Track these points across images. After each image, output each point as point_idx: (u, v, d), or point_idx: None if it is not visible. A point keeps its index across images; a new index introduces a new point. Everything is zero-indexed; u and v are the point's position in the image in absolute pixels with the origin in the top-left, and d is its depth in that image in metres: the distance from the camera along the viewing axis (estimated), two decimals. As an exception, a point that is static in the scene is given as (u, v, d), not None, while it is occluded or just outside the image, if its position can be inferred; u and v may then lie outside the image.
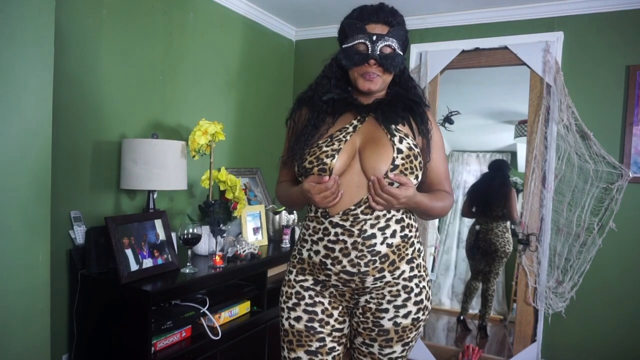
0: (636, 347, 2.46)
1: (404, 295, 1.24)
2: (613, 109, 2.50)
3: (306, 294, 1.28)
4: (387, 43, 1.21)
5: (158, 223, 2.04)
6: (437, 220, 3.39)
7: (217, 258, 2.11)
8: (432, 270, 3.38)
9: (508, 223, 3.27)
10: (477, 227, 3.34)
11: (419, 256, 1.29)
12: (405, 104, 1.28)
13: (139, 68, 2.22)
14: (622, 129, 2.48)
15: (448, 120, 2.93)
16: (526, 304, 2.65)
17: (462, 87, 3.13)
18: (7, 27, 1.37)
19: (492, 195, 3.27)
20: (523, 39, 2.67)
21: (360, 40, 1.21)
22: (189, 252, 2.04)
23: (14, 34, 1.39)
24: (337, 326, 1.29)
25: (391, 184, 1.17)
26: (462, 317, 3.39)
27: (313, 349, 1.26)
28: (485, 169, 3.41)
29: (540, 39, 2.62)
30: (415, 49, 2.95)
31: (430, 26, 2.92)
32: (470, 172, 3.46)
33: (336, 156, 1.20)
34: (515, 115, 3.12)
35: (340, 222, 1.20)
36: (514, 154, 3.40)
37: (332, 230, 1.20)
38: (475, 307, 3.44)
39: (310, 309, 1.27)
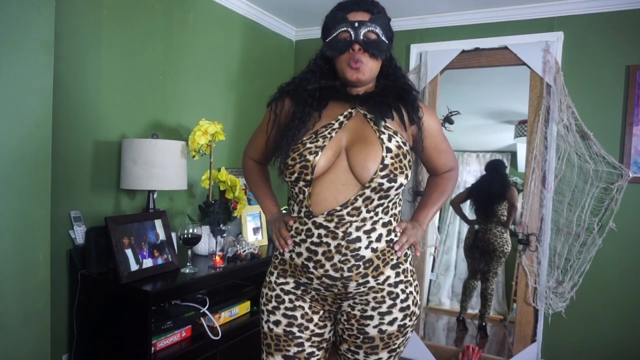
0: (636, 347, 2.46)
1: (389, 302, 1.20)
2: (613, 109, 2.50)
3: (286, 298, 1.24)
4: (370, 29, 1.18)
5: (158, 223, 2.04)
6: (437, 220, 3.40)
7: (217, 258, 2.11)
8: (432, 270, 3.39)
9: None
10: (476, 226, 3.35)
11: (406, 260, 1.25)
12: (396, 93, 1.25)
13: (139, 68, 2.22)
14: (622, 129, 2.48)
15: (448, 120, 2.93)
16: (526, 304, 2.65)
17: (462, 87, 3.13)
18: (7, 27, 1.37)
19: (490, 195, 3.28)
20: (523, 39, 2.67)
21: (343, 29, 1.18)
22: (189, 252, 2.04)
23: (14, 34, 1.39)
24: (317, 331, 1.25)
25: (384, 178, 1.14)
26: (461, 317, 3.39)
27: (291, 353, 1.23)
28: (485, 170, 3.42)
29: (540, 39, 2.62)
30: (415, 49, 2.96)
31: (430, 26, 2.92)
32: (470, 172, 3.46)
33: (320, 153, 1.15)
34: (515, 115, 3.12)
35: (325, 223, 1.15)
36: (514, 154, 3.41)
37: (316, 232, 1.16)
38: (475, 307, 3.44)
39: (289, 313, 1.23)
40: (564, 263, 2.58)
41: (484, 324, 3.30)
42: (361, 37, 1.17)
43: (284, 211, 1.40)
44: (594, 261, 2.52)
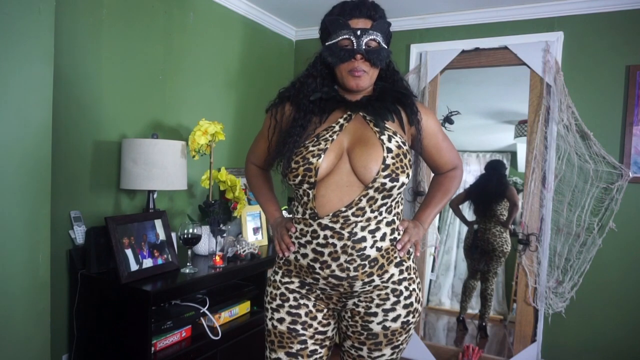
0: (636, 347, 2.46)
1: (393, 299, 1.22)
2: (613, 109, 2.50)
3: (291, 296, 1.26)
4: (372, 37, 1.19)
5: (158, 223, 2.04)
6: (437, 220, 3.40)
7: (217, 258, 2.11)
8: (432, 270, 3.39)
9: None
10: (475, 226, 3.35)
11: (409, 258, 1.27)
12: (394, 97, 1.27)
13: (139, 68, 2.22)
14: (622, 129, 2.48)
15: (448, 120, 2.93)
16: (526, 304, 2.66)
17: (462, 87, 3.13)
18: (7, 27, 1.37)
19: (489, 195, 3.28)
20: (523, 39, 2.67)
21: (345, 36, 1.18)
22: (189, 252, 2.04)
23: (14, 34, 1.39)
24: (321, 329, 1.27)
25: (386, 178, 1.16)
26: (461, 317, 3.39)
27: (294, 350, 1.24)
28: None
29: (540, 39, 2.62)
30: (415, 49, 2.96)
31: (430, 26, 2.93)
32: (470, 172, 3.47)
33: (322, 156, 1.17)
34: (515, 115, 3.12)
35: (330, 224, 1.17)
36: (514, 154, 3.41)
37: (321, 233, 1.18)
38: (475, 307, 3.44)
39: (294, 311, 1.25)
40: (564, 263, 2.58)
41: (484, 324, 3.30)
42: (363, 47, 1.18)
43: (283, 212, 1.40)
44: (594, 261, 2.52)
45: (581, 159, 2.53)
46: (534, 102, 2.64)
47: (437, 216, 3.55)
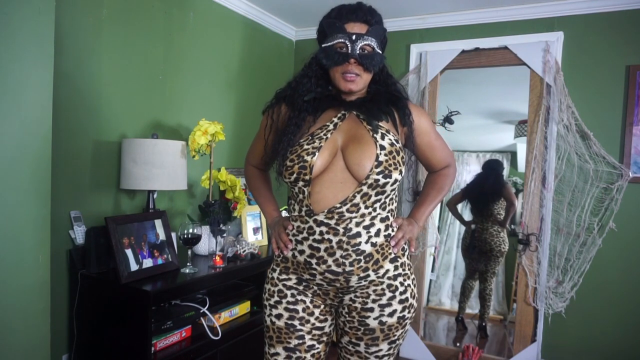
0: (636, 347, 2.46)
1: (388, 294, 1.25)
2: (613, 109, 2.50)
3: (288, 293, 1.28)
4: (367, 42, 1.21)
5: (158, 223, 2.04)
6: (437, 221, 3.40)
7: (217, 258, 2.11)
8: (432, 270, 3.39)
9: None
10: (473, 226, 3.35)
11: (404, 255, 1.29)
12: (387, 99, 1.30)
13: (139, 68, 2.22)
14: (622, 129, 2.48)
15: (448, 120, 2.93)
16: (526, 304, 2.66)
17: (462, 87, 3.13)
18: (7, 27, 1.37)
19: (486, 194, 3.28)
20: (523, 39, 2.67)
21: (340, 40, 1.21)
22: (189, 252, 2.04)
23: (14, 34, 1.39)
24: (318, 324, 1.29)
25: (379, 174, 1.18)
26: (460, 317, 3.39)
27: (291, 345, 1.27)
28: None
29: (540, 39, 2.62)
30: (415, 49, 2.96)
31: (430, 26, 2.93)
32: (470, 172, 3.47)
33: (317, 154, 1.20)
34: (515, 115, 3.12)
35: (325, 221, 1.20)
36: (514, 154, 3.41)
37: (317, 229, 1.20)
38: (474, 307, 3.45)
39: (291, 307, 1.28)
40: (564, 263, 2.58)
41: (483, 324, 3.30)
42: (357, 52, 1.21)
43: (283, 212, 1.42)
44: (594, 261, 2.52)
45: (581, 159, 2.53)
46: (534, 102, 2.64)
47: (438, 216, 3.57)
